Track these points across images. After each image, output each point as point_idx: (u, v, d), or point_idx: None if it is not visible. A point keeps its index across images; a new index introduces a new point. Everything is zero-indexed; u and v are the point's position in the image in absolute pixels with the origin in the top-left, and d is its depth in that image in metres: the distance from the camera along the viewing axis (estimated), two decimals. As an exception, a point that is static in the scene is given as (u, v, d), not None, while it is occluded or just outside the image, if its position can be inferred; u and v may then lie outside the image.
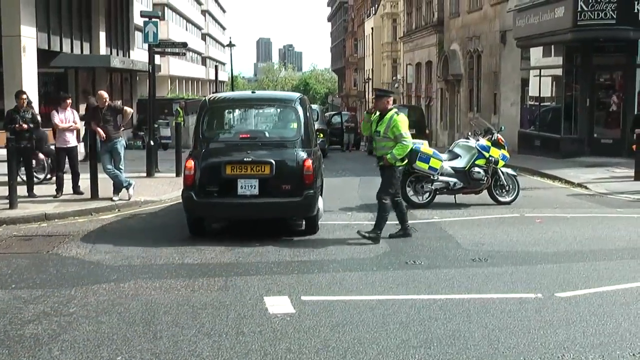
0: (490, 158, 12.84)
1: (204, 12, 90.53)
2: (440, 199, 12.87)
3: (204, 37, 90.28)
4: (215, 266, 8.25)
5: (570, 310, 6.43)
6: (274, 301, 6.69)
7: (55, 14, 25.56)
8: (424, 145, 12.70)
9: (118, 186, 12.93)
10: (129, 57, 35.07)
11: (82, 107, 22.08)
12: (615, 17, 20.78)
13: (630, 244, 9.61)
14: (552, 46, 24.34)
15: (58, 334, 5.82)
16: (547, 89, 25.37)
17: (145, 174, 16.80)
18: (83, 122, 16.03)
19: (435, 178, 12.55)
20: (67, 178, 13.41)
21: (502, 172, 13.05)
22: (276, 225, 10.48)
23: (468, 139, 13.56)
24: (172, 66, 60.47)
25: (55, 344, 5.58)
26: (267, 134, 10.40)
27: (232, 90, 50.89)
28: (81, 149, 17.35)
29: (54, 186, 13.39)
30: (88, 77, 29.16)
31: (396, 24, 58.66)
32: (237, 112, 11.19)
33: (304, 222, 10.25)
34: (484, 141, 13.10)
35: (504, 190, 13.13)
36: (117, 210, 12.43)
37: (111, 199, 12.77)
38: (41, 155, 14.45)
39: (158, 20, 18.06)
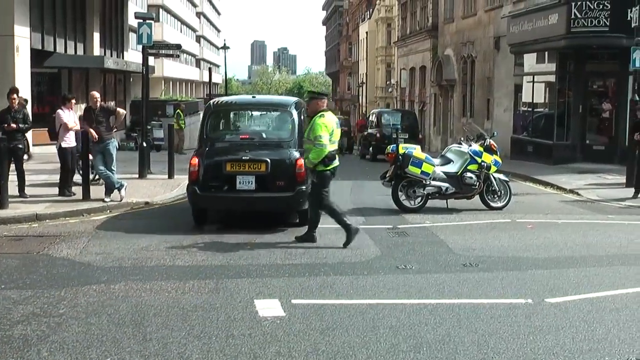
0: (483, 163, 12.87)
1: (198, 14, 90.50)
2: (432, 204, 12.89)
3: (198, 39, 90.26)
4: (206, 268, 8.24)
5: (560, 316, 6.44)
6: (265, 304, 6.68)
7: (49, 14, 25.53)
8: (416, 150, 12.74)
9: (110, 187, 12.91)
10: (122, 58, 35.06)
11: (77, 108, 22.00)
12: (608, 24, 20.91)
13: (621, 250, 9.64)
14: (546, 52, 24.45)
15: (47, 335, 5.80)
16: (540, 95, 25.46)
17: (137, 176, 16.76)
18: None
19: (428, 183, 12.57)
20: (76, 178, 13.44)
21: (494, 177, 13.08)
22: (272, 218, 11.16)
23: (461, 144, 13.58)
24: (166, 68, 60.46)
25: (44, 345, 5.56)
26: (264, 135, 11.48)
27: (226, 92, 51.16)
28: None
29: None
30: (81, 78, 29.10)
31: (391, 29, 58.77)
32: (238, 115, 12.45)
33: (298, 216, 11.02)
34: (476, 146, 13.13)
35: (495, 196, 13.16)
36: (108, 211, 12.39)
37: (103, 200, 12.74)
38: (90, 156, 14.00)
39: (152, 21, 18.04)
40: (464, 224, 11.64)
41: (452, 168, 12.88)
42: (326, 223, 11.35)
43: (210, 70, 45.85)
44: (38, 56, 23.64)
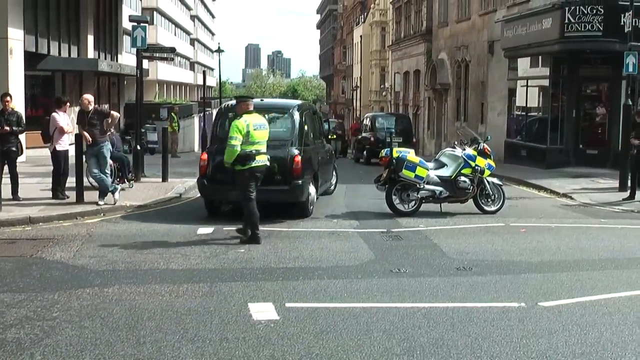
0: (477, 167, 12.89)
1: (193, 18, 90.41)
2: (426, 208, 12.91)
3: (192, 42, 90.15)
4: (200, 272, 8.24)
5: (553, 319, 6.46)
6: (258, 307, 6.68)
7: (43, 16, 25.46)
8: (410, 154, 12.75)
9: (103, 190, 12.88)
10: (116, 61, 34.98)
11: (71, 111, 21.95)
12: (601, 29, 20.99)
13: (614, 254, 9.67)
14: (539, 57, 24.53)
15: (40, 338, 5.78)
16: (534, 100, 25.54)
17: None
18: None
19: (421, 186, 12.59)
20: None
21: (487, 181, 13.11)
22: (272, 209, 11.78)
23: (454, 148, 13.61)
24: (160, 71, 60.36)
25: (38, 348, 5.55)
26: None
27: (220, 96, 51.38)
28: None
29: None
30: (75, 81, 29.03)
31: (385, 33, 58.80)
32: None
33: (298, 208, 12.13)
34: (470, 150, 13.15)
35: (489, 200, 13.19)
36: (102, 214, 12.37)
37: (96, 203, 12.72)
38: (110, 161, 13.59)
39: (147, 24, 18.03)
40: (458, 227, 11.66)
41: (445, 172, 12.90)
42: (322, 227, 11.42)
43: (204, 73, 45.72)
44: (31, 59, 23.57)
